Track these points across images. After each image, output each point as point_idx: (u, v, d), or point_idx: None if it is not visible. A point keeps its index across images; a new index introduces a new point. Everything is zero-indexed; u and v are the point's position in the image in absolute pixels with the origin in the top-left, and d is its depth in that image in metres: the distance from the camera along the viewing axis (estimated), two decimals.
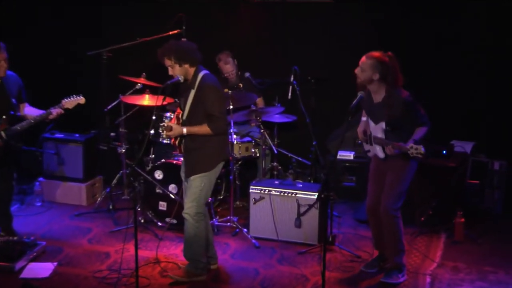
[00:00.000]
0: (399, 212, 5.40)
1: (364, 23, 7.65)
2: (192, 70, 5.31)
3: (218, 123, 5.26)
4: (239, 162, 7.30)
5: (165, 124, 5.49)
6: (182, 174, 5.62)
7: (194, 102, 5.32)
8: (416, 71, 5.09)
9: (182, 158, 5.73)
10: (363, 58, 5.26)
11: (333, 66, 7.76)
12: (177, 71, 5.29)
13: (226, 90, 7.32)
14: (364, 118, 5.54)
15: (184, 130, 5.31)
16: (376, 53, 5.25)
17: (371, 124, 5.39)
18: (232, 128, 6.67)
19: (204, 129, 5.28)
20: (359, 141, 5.69)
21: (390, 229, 5.41)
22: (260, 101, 7.68)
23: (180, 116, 5.46)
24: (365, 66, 5.22)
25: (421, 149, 4.96)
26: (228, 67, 7.52)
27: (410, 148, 5.00)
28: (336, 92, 7.73)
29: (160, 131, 6.68)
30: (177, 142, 5.50)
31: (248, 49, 8.03)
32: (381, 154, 5.33)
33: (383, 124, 5.25)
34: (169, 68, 5.33)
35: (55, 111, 5.92)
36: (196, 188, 5.36)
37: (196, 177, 5.37)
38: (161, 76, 5.76)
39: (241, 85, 7.53)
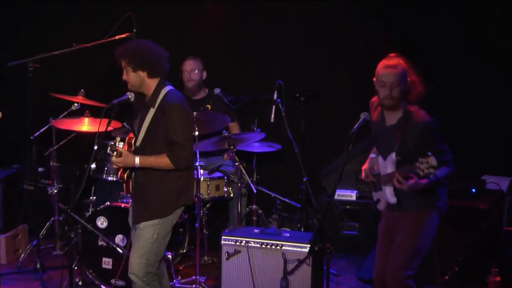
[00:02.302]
0: (412, 280, 5.35)
1: (363, 26, 7.75)
2: (151, 83, 5.29)
3: (182, 153, 5.21)
4: (208, 205, 7.28)
5: (116, 147, 5.36)
6: (130, 220, 5.58)
7: (152, 124, 5.27)
8: (434, 90, 5.12)
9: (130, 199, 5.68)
10: (386, 69, 5.14)
11: (328, 80, 7.83)
12: (130, 77, 5.27)
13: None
14: (373, 155, 5.52)
15: (137, 159, 5.24)
16: (398, 58, 5.19)
17: (381, 161, 5.36)
18: (198, 160, 6.66)
19: (162, 160, 5.22)
20: (363, 178, 5.66)
21: None
22: (234, 125, 7.70)
23: (132, 142, 5.43)
24: (394, 79, 5.15)
25: (433, 160, 4.85)
26: (190, 69, 7.57)
27: (420, 164, 4.90)
28: (332, 113, 7.79)
29: (109, 152, 6.62)
30: (125, 176, 5.44)
31: (218, 59, 8.06)
32: (392, 199, 5.28)
33: (393, 155, 5.23)
34: (124, 72, 5.33)
35: None
36: (146, 240, 5.30)
37: (146, 225, 5.30)
38: (105, 93, 5.76)
39: (209, 106, 7.54)
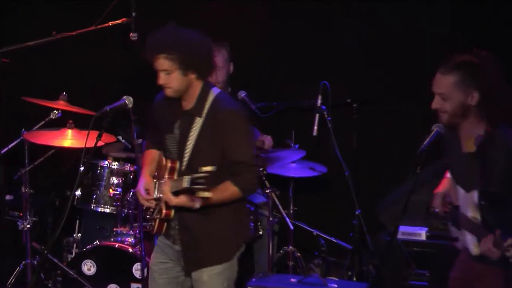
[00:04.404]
0: None
1: (434, 17, 7.80)
2: (198, 86, 5.26)
3: (249, 175, 5.20)
4: None
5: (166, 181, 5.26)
6: (160, 267, 5.44)
7: (202, 140, 5.21)
8: None
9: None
10: (438, 76, 5.03)
11: (388, 82, 7.88)
12: (175, 81, 5.17)
13: None
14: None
15: (197, 204, 5.07)
16: (462, 57, 5.11)
17: (461, 191, 5.24)
18: None
19: (229, 192, 5.15)
20: (435, 209, 5.58)
21: None
22: (264, 140, 7.65)
23: (176, 166, 5.26)
24: (447, 89, 5.03)
25: None
26: (220, 60, 7.49)
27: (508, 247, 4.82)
28: (394, 124, 7.75)
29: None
30: (171, 213, 5.24)
31: (245, 54, 8.05)
32: (474, 250, 5.17)
33: (475, 195, 5.12)
34: (161, 75, 5.19)
35: None
36: None
37: (211, 273, 5.30)
38: (94, 98, 5.73)
39: None
